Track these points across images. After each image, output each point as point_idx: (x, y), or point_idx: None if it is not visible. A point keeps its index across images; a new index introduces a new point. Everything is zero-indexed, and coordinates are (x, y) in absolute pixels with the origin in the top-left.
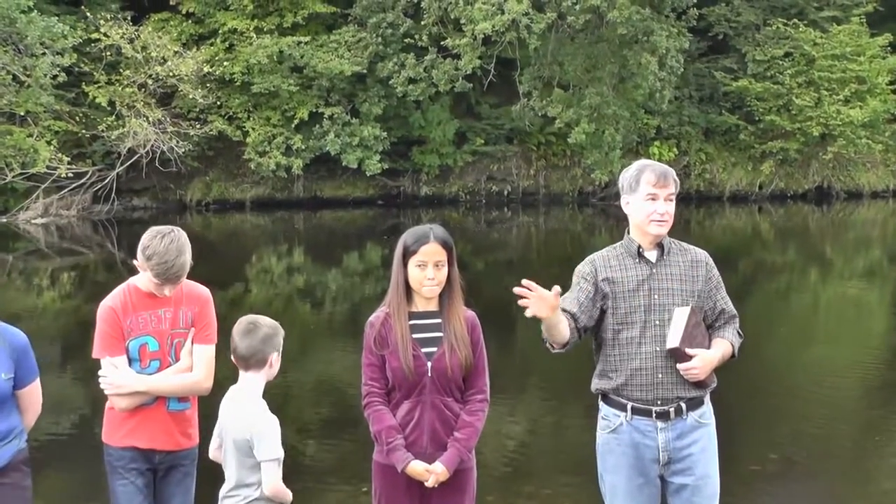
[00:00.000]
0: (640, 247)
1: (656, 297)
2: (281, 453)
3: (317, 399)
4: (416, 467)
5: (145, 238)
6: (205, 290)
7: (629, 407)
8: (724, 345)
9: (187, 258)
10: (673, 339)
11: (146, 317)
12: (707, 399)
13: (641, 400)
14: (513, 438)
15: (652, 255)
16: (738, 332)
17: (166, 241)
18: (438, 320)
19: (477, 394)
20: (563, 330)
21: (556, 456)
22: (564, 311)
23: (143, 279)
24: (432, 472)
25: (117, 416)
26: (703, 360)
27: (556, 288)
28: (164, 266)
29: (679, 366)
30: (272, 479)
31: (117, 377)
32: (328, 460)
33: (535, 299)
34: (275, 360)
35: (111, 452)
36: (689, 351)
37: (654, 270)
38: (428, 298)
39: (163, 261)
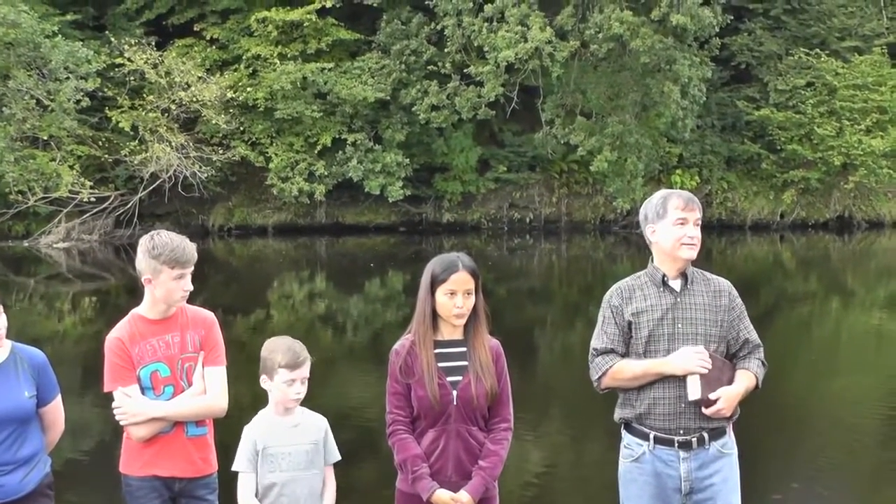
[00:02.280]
0: (664, 276)
1: (680, 326)
2: (238, 467)
3: (337, 425)
4: (442, 496)
5: (143, 246)
6: (209, 314)
7: (651, 436)
8: (747, 378)
9: (190, 243)
10: (693, 392)
11: (154, 343)
12: (730, 429)
13: (663, 429)
14: (534, 466)
15: (676, 284)
16: (762, 362)
17: (162, 235)
18: (463, 349)
19: (501, 422)
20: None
21: (578, 484)
22: (615, 352)
23: (147, 306)
24: (458, 502)
25: (137, 445)
26: (728, 400)
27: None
28: (177, 251)
29: (705, 411)
30: (237, 493)
31: (132, 406)
32: (349, 488)
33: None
34: (263, 381)
35: (131, 483)
36: (711, 396)
37: (679, 300)
38: (455, 327)
39: (173, 247)
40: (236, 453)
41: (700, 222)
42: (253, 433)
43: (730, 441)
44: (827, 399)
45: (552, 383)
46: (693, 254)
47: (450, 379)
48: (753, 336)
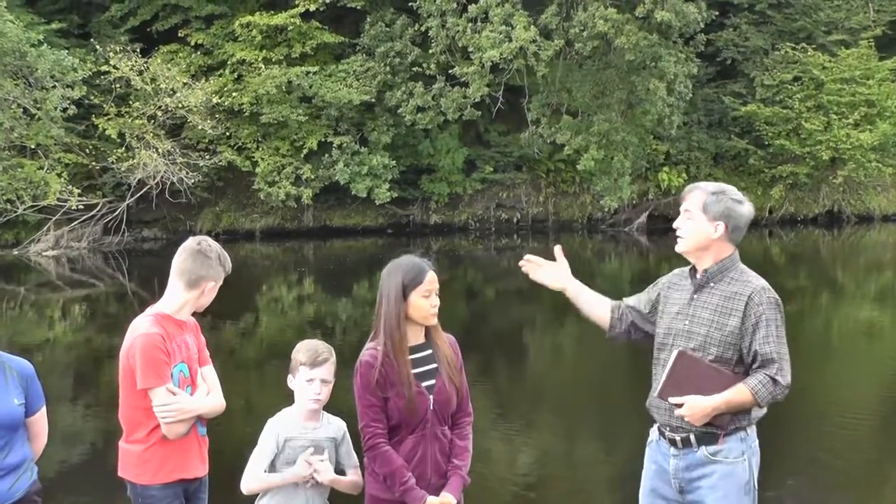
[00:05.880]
0: (693, 269)
1: (687, 322)
2: (259, 455)
3: None
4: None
5: (206, 252)
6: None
7: (656, 427)
8: (737, 392)
9: None
10: (655, 387)
11: (180, 342)
12: (731, 438)
13: (660, 423)
14: (525, 465)
15: (698, 279)
16: (772, 379)
17: (215, 245)
18: (429, 351)
19: (465, 416)
20: (593, 308)
21: (565, 483)
22: (627, 303)
23: (176, 307)
24: None
25: (158, 453)
26: (692, 409)
27: (558, 247)
28: (229, 262)
29: (676, 412)
30: (246, 468)
31: (184, 402)
32: None
33: (532, 267)
34: (289, 380)
35: (154, 493)
36: (671, 400)
37: (695, 296)
38: (420, 330)
39: (228, 258)
40: (258, 442)
41: (689, 213)
42: (276, 427)
43: (727, 449)
44: (819, 394)
45: (542, 383)
46: (678, 247)
47: (424, 384)
48: (766, 349)
